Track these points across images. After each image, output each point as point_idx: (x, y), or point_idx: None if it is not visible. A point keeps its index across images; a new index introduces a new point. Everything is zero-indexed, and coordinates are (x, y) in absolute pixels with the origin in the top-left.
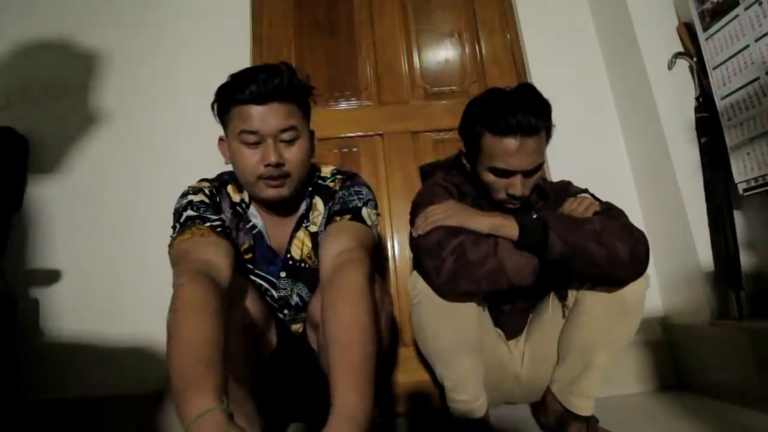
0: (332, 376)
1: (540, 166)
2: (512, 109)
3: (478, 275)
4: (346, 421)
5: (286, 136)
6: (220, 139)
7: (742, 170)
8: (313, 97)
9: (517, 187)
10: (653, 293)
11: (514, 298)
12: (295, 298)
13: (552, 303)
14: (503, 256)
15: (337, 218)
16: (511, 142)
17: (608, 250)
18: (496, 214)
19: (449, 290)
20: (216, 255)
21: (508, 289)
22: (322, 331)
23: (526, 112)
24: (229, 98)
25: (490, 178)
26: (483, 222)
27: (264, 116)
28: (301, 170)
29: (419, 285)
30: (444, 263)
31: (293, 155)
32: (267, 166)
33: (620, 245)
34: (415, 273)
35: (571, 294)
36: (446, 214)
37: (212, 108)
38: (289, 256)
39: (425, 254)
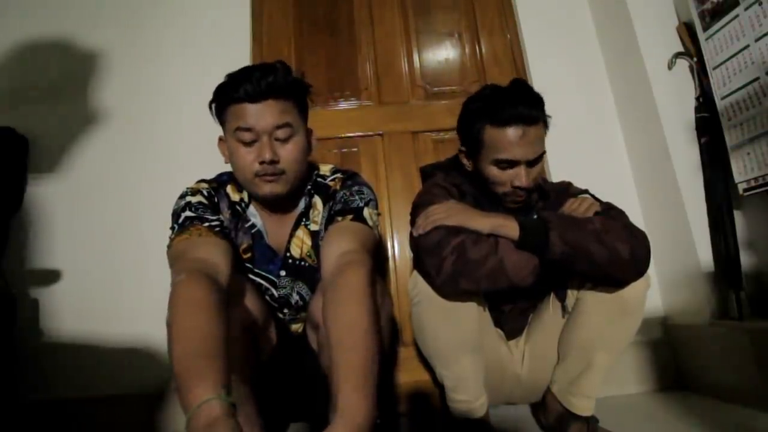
0: (335, 378)
1: (542, 156)
2: (511, 100)
3: (479, 274)
4: (350, 423)
5: (281, 133)
6: (220, 139)
7: (742, 170)
8: (310, 96)
9: (522, 177)
10: (653, 293)
11: (514, 298)
12: (295, 297)
13: (552, 303)
14: (503, 255)
15: (339, 218)
16: (514, 132)
17: (609, 250)
18: (497, 215)
19: (450, 289)
20: (214, 254)
21: (509, 288)
22: (323, 332)
23: (524, 103)
24: (225, 97)
25: (493, 171)
26: (484, 222)
27: (258, 114)
28: (296, 168)
29: (419, 285)
30: (444, 262)
31: (288, 152)
32: (262, 163)
33: (621, 245)
34: (415, 273)
35: (571, 294)
36: (447, 213)
37: (210, 108)
38: (288, 254)
39: (425, 254)
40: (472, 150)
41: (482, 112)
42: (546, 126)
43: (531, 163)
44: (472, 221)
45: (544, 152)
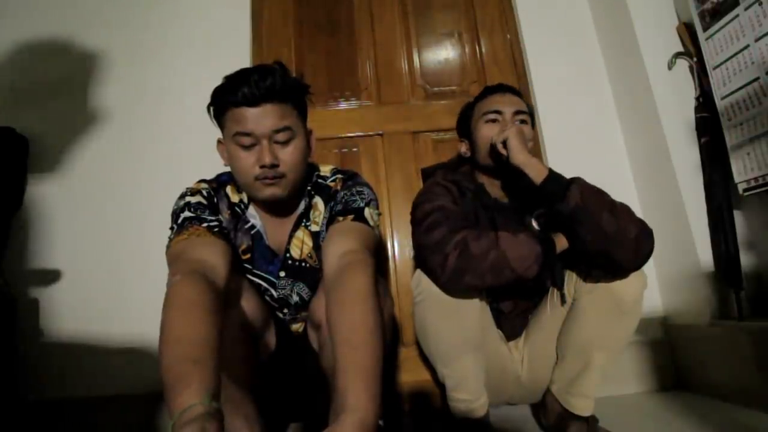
0: (341, 377)
1: (526, 114)
2: (495, 85)
3: (482, 269)
4: (359, 422)
5: (280, 137)
6: (219, 141)
7: (742, 170)
8: (309, 96)
9: (507, 117)
10: (653, 293)
11: (515, 296)
12: (294, 298)
13: (550, 304)
14: (505, 248)
15: (340, 218)
16: (496, 94)
17: (618, 224)
18: (537, 160)
19: (454, 286)
20: (212, 255)
21: (513, 281)
22: (325, 331)
23: (506, 87)
24: (223, 101)
25: (486, 128)
26: (520, 153)
27: (257, 118)
28: (296, 170)
29: (423, 283)
30: (448, 259)
31: (288, 156)
32: (262, 167)
33: (631, 226)
34: (418, 271)
35: (569, 288)
36: (515, 135)
37: (208, 110)
38: (288, 255)
39: (429, 252)
40: (466, 130)
41: (473, 101)
42: (530, 112)
43: (517, 113)
44: (518, 146)
45: (527, 112)
